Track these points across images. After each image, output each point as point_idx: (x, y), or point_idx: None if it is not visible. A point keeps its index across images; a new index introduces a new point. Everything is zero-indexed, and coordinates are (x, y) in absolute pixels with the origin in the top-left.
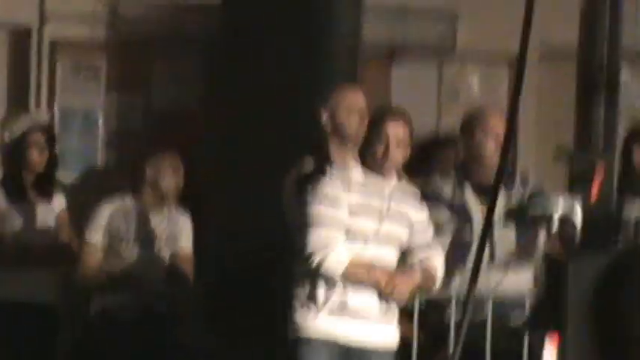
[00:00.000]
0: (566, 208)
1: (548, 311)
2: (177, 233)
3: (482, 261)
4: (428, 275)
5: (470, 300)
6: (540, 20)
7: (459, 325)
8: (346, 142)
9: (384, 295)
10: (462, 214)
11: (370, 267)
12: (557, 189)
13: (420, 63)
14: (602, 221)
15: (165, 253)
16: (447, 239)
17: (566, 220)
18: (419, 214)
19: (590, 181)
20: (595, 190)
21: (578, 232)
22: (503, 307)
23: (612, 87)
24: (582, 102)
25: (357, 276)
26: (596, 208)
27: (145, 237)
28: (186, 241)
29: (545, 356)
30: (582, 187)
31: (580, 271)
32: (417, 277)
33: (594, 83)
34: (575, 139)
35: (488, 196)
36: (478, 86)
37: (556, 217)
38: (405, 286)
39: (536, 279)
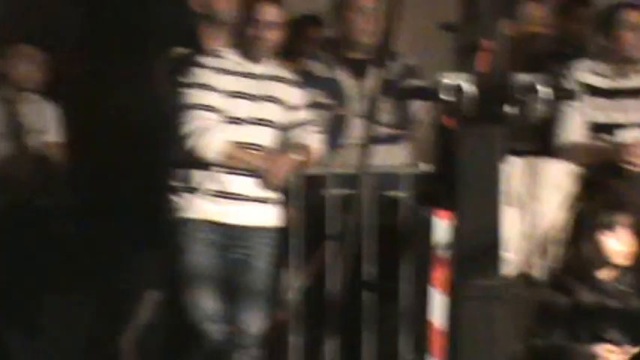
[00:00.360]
0: (453, 80)
1: (439, 184)
2: (44, 123)
3: (366, 135)
4: (305, 153)
5: (361, 174)
6: None
7: (339, 200)
8: (218, 26)
9: (262, 175)
10: (335, 91)
11: (246, 148)
12: (443, 60)
13: None
14: (491, 92)
15: (35, 144)
16: (322, 116)
17: (454, 92)
18: (293, 94)
19: (478, 51)
20: (483, 60)
21: (468, 104)
22: (382, 180)
23: None
24: None
25: (233, 158)
26: (485, 78)
27: (11, 129)
28: (54, 132)
29: (437, 230)
30: (471, 59)
31: (472, 143)
32: (294, 156)
33: None
34: (461, 10)
35: (361, 71)
36: None
37: (443, 88)
38: (283, 165)
39: (419, 152)
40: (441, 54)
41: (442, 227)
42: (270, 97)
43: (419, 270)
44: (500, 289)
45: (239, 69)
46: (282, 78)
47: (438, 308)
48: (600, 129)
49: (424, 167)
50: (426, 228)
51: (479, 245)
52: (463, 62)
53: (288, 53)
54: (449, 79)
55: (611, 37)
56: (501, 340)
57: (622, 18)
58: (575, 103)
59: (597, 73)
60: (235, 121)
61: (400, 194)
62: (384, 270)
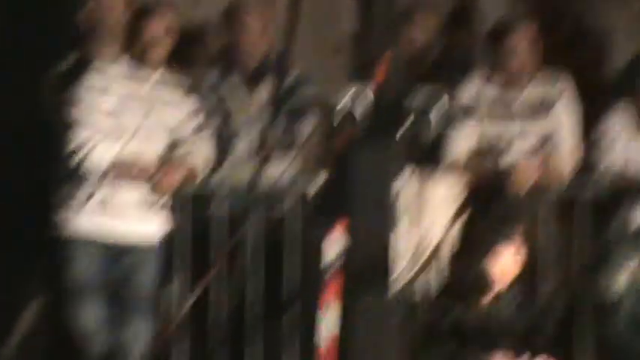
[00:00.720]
0: (348, 97)
1: (332, 200)
2: None
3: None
4: (192, 168)
5: (255, 190)
6: None
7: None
8: (109, 38)
9: (148, 190)
10: (225, 104)
11: (133, 163)
12: (338, 77)
13: None
14: (387, 104)
15: None
16: (211, 129)
17: (348, 108)
18: (184, 106)
19: (375, 64)
20: (380, 73)
21: (364, 116)
22: (274, 192)
23: None
24: None
25: (120, 172)
26: (382, 90)
27: None
28: None
29: (328, 244)
30: (367, 71)
31: (367, 153)
32: (181, 171)
33: None
34: (358, 23)
35: (252, 82)
36: None
37: (340, 100)
38: (170, 180)
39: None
40: (339, 66)
41: (334, 242)
42: (162, 107)
43: (309, 285)
44: (390, 304)
45: (130, 78)
46: (174, 88)
47: (328, 323)
48: (489, 147)
49: (317, 180)
50: (317, 242)
51: (370, 260)
52: (360, 74)
53: (179, 63)
54: (345, 90)
55: (502, 53)
56: (389, 354)
57: (513, 34)
58: (466, 120)
59: (488, 90)
60: (125, 133)
61: (292, 207)
62: (273, 285)
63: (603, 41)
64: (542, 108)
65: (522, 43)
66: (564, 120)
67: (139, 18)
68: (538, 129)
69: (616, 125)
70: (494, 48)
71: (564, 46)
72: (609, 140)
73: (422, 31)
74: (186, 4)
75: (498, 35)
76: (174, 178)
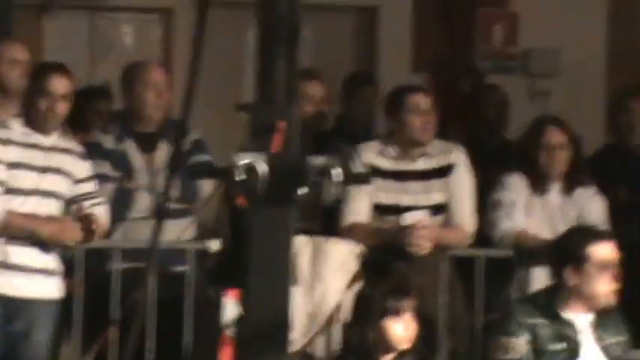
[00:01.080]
0: (247, 159)
1: (229, 262)
2: None
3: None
4: (90, 224)
5: (154, 248)
6: None
7: (125, 274)
8: (7, 96)
9: (48, 244)
10: (123, 164)
11: (31, 217)
12: (235, 141)
13: (72, 14)
14: (284, 173)
15: None
16: (110, 189)
17: (247, 171)
18: (80, 167)
19: (272, 132)
20: (277, 141)
21: (261, 183)
22: (166, 255)
23: (292, 39)
24: (262, 54)
25: (16, 227)
26: (279, 159)
27: None
28: None
29: (226, 308)
30: (264, 139)
31: (263, 222)
32: (79, 227)
33: (274, 35)
34: (256, 91)
35: (149, 144)
36: (131, 36)
37: (236, 167)
38: (70, 230)
39: (207, 228)
40: (236, 132)
41: (231, 306)
42: (57, 168)
43: (206, 349)
44: None
45: (25, 140)
46: (69, 150)
47: None
48: (385, 210)
49: (213, 244)
50: (214, 305)
51: (267, 325)
52: (257, 142)
53: (76, 125)
54: (242, 157)
55: (398, 120)
56: None
57: (408, 102)
58: (363, 185)
59: (384, 155)
60: (19, 192)
61: (188, 270)
62: (169, 348)
63: (502, 105)
64: (440, 172)
65: (421, 109)
66: (463, 183)
67: (40, 77)
68: (437, 194)
69: (514, 188)
70: (393, 114)
71: (463, 110)
72: (508, 202)
73: (319, 100)
74: (84, 66)
75: (397, 102)
76: (74, 227)
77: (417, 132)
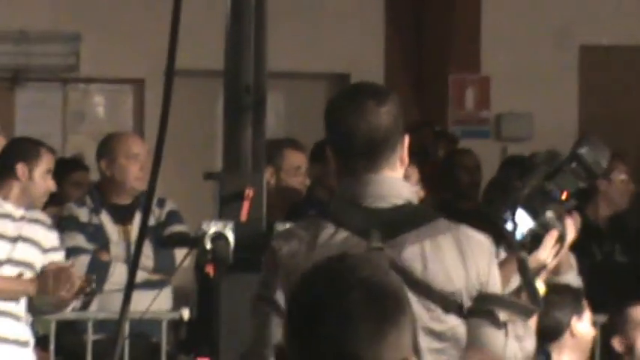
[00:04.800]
0: (216, 227)
1: (199, 331)
2: None
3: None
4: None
5: (123, 318)
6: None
7: (98, 345)
8: None
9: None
10: (98, 237)
11: (16, 277)
12: (205, 209)
13: (43, 85)
14: (252, 240)
15: None
16: (84, 261)
17: (216, 239)
18: (49, 239)
19: (241, 201)
20: (245, 210)
21: (230, 251)
22: (143, 325)
23: (259, 109)
24: (229, 123)
25: (6, 288)
26: (247, 227)
27: None
28: None
29: None
30: (232, 207)
31: (232, 289)
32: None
33: (241, 104)
34: (224, 160)
35: (125, 216)
36: (103, 107)
37: (207, 236)
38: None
39: (179, 298)
40: (205, 201)
41: None
42: (28, 240)
43: None
44: None
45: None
46: (38, 220)
47: None
48: None
49: (185, 313)
50: None
51: None
52: (225, 210)
53: (51, 196)
54: (211, 226)
55: None
56: None
57: None
58: None
59: None
60: None
61: (160, 340)
62: None
63: (476, 169)
64: None
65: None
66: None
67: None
68: None
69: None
70: None
71: (436, 175)
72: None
73: (305, 171)
74: (57, 137)
75: None
76: (71, 282)
77: None
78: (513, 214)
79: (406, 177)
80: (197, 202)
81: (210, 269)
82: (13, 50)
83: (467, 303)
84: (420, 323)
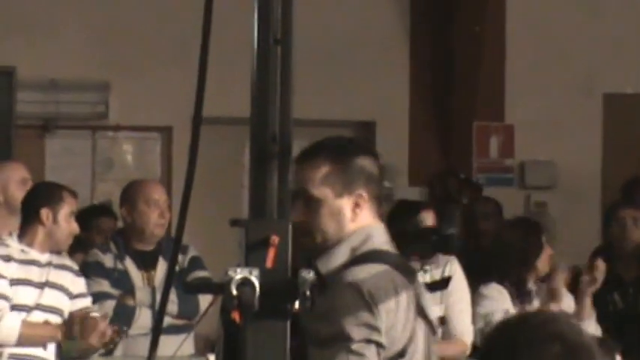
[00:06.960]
0: (242, 274)
1: None
2: None
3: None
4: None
5: None
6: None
7: None
8: (9, 214)
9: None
10: (123, 282)
11: (44, 323)
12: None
13: (73, 133)
14: (278, 286)
15: None
16: (110, 306)
17: (242, 286)
18: (77, 285)
19: (266, 248)
20: (271, 256)
21: (256, 298)
22: None
23: (284, 157)
24: (255, 171)
25: (34, 334)
26: (272, 273)
27: None
28: None
29: None
30: (258, 254)
31: (258, 336)
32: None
33: (267, 152)
34: (250, 207)
35: (148, 262)
36: (132, 154)
37: (233, 282)
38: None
39: (205, 344)
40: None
41: None
42: (55, 286)
43: None
44: None
45: (23, 257)
46: (65, 266)
47: None
48: None
49: (211, 359)
50: None
51: None
52: (251, 257)
53: (77, 243)
54: (237, 272)
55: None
56: None
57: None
58: None
59: None
60: (22, 308)
61: None
62: None
63: (499, 217)
64: (437, 285)
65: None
66: (460, 295)
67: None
68: (435, 307)
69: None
70: None
71: (461, 223)
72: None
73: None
74: (86, 184)
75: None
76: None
77: None
78: None
79: (421, 221)
80: (223, 248)
81: (236, 315)
82: (43, 99)
83: None
84: None
